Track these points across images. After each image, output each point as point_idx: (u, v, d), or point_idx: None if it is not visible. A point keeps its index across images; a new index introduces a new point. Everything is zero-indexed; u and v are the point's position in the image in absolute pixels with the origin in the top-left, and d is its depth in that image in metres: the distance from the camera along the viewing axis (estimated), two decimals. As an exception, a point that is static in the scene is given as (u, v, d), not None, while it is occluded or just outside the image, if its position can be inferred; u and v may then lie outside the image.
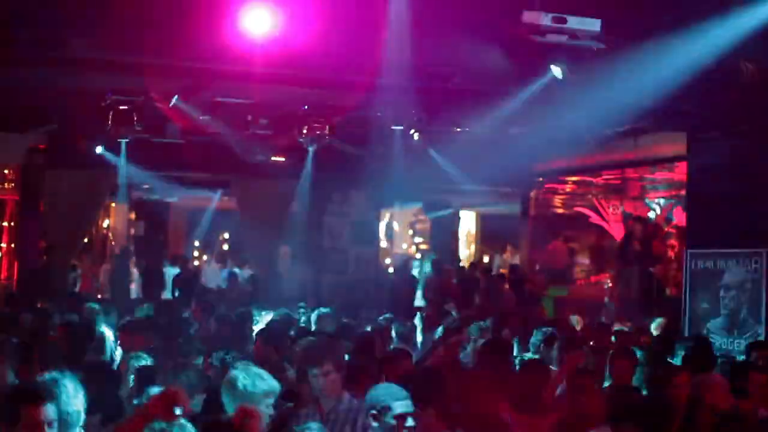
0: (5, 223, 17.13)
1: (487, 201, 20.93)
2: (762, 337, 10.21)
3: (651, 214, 17.01)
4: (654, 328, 10.95)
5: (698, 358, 7.82)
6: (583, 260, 18.31)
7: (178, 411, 3.82)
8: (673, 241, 15.75)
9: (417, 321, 11.13)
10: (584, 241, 18.45)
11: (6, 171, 16.73)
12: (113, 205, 19.99)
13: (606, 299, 14.60)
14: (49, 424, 3.95)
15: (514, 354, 8.11)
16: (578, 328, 10.82)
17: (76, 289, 16.34)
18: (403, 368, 6.42)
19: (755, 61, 9.08)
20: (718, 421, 5.35)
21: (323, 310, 10.43)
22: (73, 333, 8.46)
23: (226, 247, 23.31)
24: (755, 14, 8.39)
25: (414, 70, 9.42)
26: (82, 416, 4.28)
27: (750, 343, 9.20)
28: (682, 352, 8.19)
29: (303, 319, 10.94)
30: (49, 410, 3.97)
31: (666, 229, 15.92)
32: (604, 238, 17.62)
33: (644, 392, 6.82)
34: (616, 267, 15.12)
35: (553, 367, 7.32)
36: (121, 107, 12.09)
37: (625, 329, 10.42)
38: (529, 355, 7.98)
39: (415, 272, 18.33)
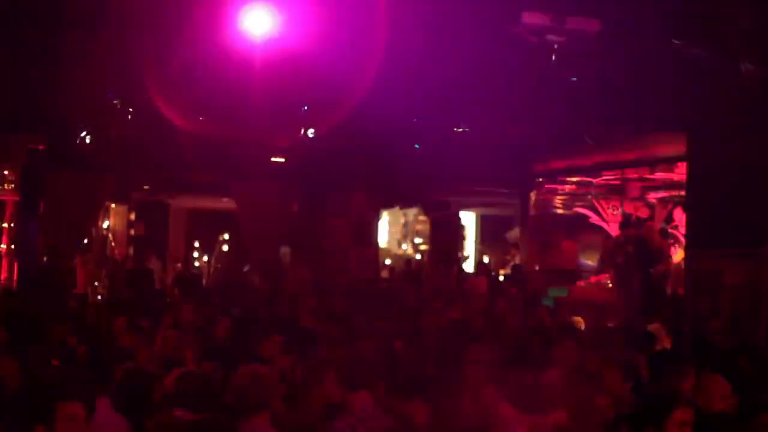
0: (5, 224, 17.11)
1: (487, 201, 20.96)
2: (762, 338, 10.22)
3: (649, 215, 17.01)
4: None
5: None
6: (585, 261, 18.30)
7: None
8: (672, 242, 15.74)
9: None
10: (584, 241, 18.43)
11: (6, 172, 16.71)
12: (113, 205, 19.99)
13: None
14: None
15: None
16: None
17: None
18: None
19: (755, 61, 9.08)
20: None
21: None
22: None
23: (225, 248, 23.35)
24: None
25: (414, 70, 9.43)
26: None
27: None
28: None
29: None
30: None
31: (665, 229, 15.90)
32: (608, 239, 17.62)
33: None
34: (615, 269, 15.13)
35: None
36: (121, 108, 12.11)
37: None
38: None
39: None
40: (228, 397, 5.24)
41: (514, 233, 20.23)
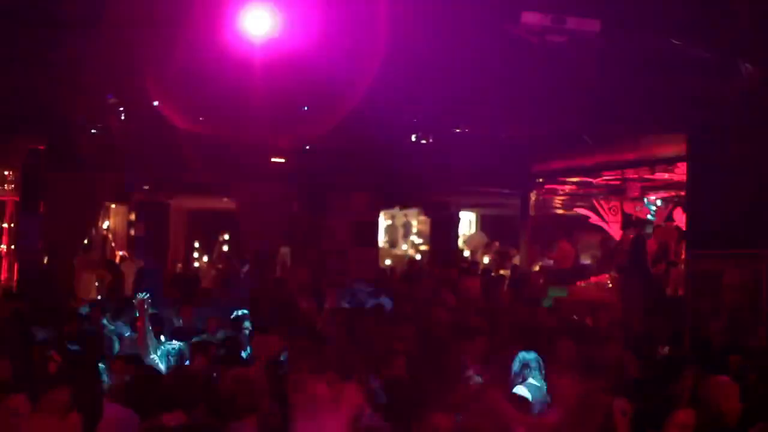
0: (5, 225, 17.09)
1: (486, 201, 20.95)
2: (762, 338, 10.21)
3: (650, 216, 17.03)
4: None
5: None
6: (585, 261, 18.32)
7: None
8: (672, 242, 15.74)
9: None
10: (584, 241, 18.44)
11: (6, 172, 16.70)
12: (113, 205, 19.98)
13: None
14: None
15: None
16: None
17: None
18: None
19: (755, 60, 9.08)
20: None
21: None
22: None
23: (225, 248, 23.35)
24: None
25: (414, 71, 9.43)
26: None
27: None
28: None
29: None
30: None
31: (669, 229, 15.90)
32: (607, 239, 17.63)
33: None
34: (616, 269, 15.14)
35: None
36: (120, 108, 12.11)
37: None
38: None
39: None
40: (216, 400, 5.24)
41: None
